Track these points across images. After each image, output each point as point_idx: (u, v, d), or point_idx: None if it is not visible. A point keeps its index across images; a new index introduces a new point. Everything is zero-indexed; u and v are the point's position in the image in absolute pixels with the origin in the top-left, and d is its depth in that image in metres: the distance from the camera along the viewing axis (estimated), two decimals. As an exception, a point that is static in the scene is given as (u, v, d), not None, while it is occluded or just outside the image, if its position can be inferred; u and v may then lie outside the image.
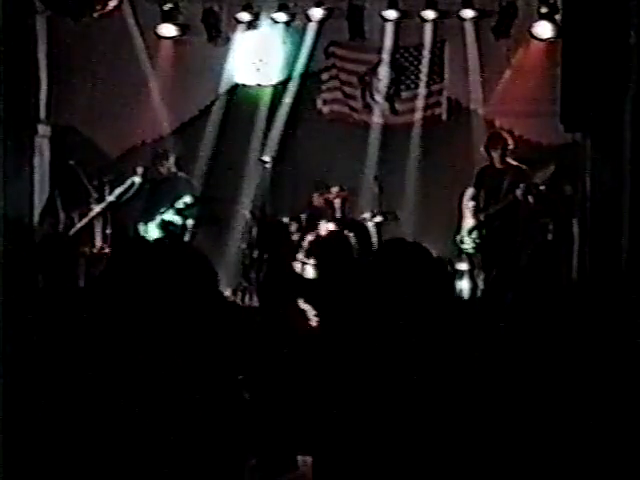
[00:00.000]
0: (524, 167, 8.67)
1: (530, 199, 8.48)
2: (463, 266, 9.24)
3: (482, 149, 8.83)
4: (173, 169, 9.39)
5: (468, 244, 8.81)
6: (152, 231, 9.19)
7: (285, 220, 9.55)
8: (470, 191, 8.86)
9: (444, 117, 10.23)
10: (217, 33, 10.28)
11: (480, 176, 8.83)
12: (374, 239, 8.55)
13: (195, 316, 3.36)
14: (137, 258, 3.38)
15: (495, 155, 8.72)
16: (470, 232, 8.80)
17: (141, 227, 9.34)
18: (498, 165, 8.75)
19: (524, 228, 8.60)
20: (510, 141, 8.76)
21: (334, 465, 2.87)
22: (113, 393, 3.02)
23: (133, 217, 9.52)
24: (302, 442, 3.03)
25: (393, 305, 2.96)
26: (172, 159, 9.47)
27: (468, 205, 8.85)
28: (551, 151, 9.30)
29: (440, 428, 2.81)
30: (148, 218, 9.28)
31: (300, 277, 4.13)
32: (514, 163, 8.72)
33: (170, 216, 9.17)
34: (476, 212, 8.75)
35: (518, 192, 8.44)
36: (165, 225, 9.13)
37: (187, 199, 9.15)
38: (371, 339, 2.94)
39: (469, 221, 8.84)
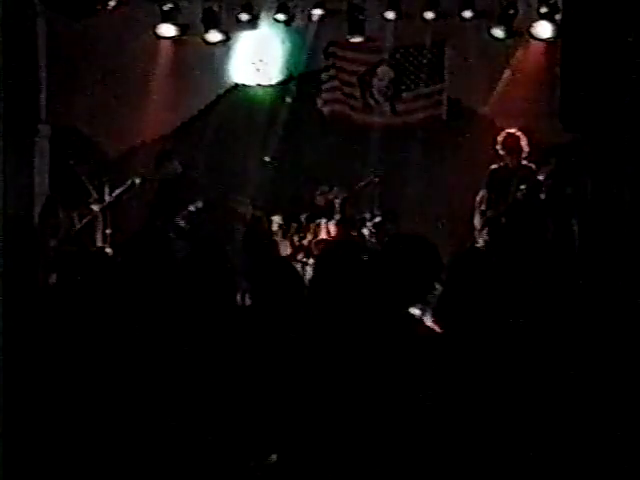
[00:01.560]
0: (534, 167, 8.68)
1: (534, 197, 8.51)
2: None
3: (499, 150, 8.83)
4: (179, 170, 9.35)
5: (480, 243, 8.84)
6: (162, 233, 9.14)
7: (284, 220, 9.57)
8: (483, 191, 8.88)
9: (444, 117, 10.22)
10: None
11: (493, 177, 8.84)
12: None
13: (199, 318, 3.36)
14: (147, 259, 3.38)
15: (510, 156, 8.75)
16: (481, 231, 8.84)
17: (150, 228, 9.29)
18: (511, 166, 8.77)
19: (531, 227, 8.62)
20: (525, 143, 8.77)
21: (301, 463, 2.86)
22: (113, 395, 3.02)
23: (139, 217, 9.49)
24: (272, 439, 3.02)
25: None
26: (176, 160, 9.43)
27: (481, 205, 8.88)
28: (551, 151, 9.30)
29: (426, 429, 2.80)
30: (157, 218, 9.24)
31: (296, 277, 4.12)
32: (526, 164, 8.74)
33: (180, 220, 9.12)
34: (488, 212, 8.79)
35: (520, 191, 8.47)
36: (176, 229, 9.09)
37: (199, 204, 9.09)
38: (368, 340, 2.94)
39: (481, 221, 8.87)
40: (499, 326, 3.07)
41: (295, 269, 4.08)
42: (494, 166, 8.85)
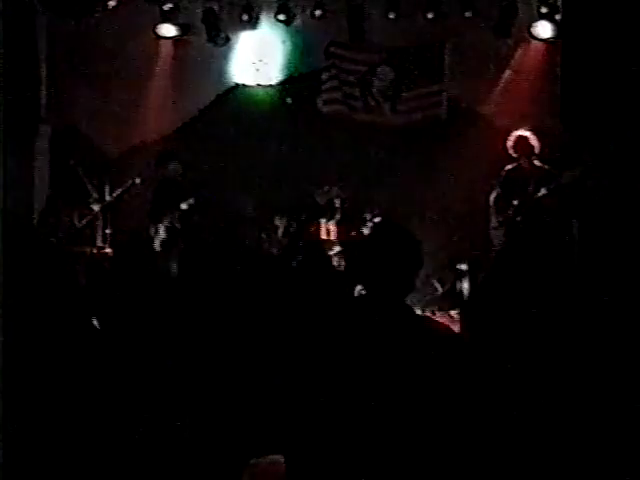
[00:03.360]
0: (548, 167, 8.70)
1: (555, 199, 8.55)
2: (463, 266, 9.26)
3: (511, 151, 8.85)
4: (180, 170, 9.35)
5: (495, 242, 8.88)
6: (159, 232, 9.16)
7: (285, 220, 9.58)
8: (496, 192, 8.91)
9: (444, 117, 10.22)
10: (217, 33, 10.27)
11: (507, 177, 8.87)
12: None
13: (196, 317, 3.37)
14: (143, 259, 3.38)
15: (522, 158, 8.77)
16: (497, 231, 8.87)
17: (150, 228, 9.31)
18: (525, 167, 8.79)
19: (550, 228, 8.65)
20: (536, 144, 8.77)
21: (306, 464, 2.84)
22: (113, 395, 3.02)
23: (140, 218, 9.50)
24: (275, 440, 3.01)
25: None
26: (177, 160, 9.42)
27: (495, 205, 8.92)
28: (551, 150, 9.31)
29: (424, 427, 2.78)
30: (156, 219, 9.25)
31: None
32: (539, 164, 8.75)
33: (173, 219, 9.12)
34: (502, 212, 8.82)
35: (541, 193, 8.51)
36: (168, 228, 9.09)
37: (190, 201, 9.10)
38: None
39: (495, 221, 8.90)
40: (520, 328, 3.06)
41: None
42: (509, 167, 8.87)
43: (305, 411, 2.84)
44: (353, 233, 9.32)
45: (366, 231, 9.34)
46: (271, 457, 3.00)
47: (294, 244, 9.16)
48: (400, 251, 2.94)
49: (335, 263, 8.74)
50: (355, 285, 3.13)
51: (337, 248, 9.13)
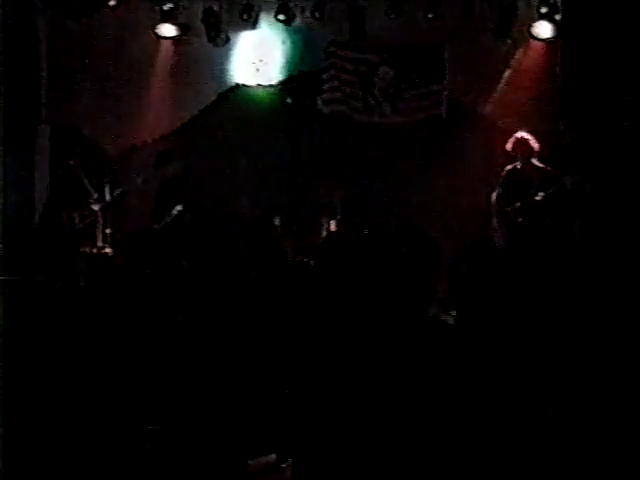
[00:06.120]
0: (549, 168, 8.70)
1: (556, 200, 8.56)
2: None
3: (510, 152, 8.86)
4: (179, 170, 9.34)
5: (498, 243, 8.88)
6: (156, 234, 9.13)
7: (285, 220, 9.59)
8: (497, 192, 8.91)
9: (444, 117, 10.22)
10: (217, 33, 10.27)
11: (507, 178, 8.87)
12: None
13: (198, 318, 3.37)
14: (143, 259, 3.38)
15: (521, 158, 8.78)
16: (499, 231, 8.88)
17: (149, 228, 9.28)
18: (525, 168, 8.80)
19: (550, 228, 8.66)
20: (536, 145, 8.77)
21: (314, 467, 2.83)
22: (111, 392, 3.02)
23: (139, 217, 9.48)
24: (283, 443, 3.00)
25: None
26: (176, 160, 9.41)
27: (496, 206, 8.92)
28: (551, 151, 9.31)
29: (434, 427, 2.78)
30: (156, 220, 9.24)
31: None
32: (540, 165, 8.76)
33: (168, 221, 9.10)
34: (503, 213, 8.82)
35: (541, 195, 8.52)
36: (164, 232, 9.07)
37: (179, 207, 9.07)
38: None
39: (498, 220, 8.91)
40: (513, 326, 3.05)
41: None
42: (509, 167, 8.87)
43: (310, 411, 2.83)
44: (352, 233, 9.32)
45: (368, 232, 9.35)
46: (266, 457, 3.00)
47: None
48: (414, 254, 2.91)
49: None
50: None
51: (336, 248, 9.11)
